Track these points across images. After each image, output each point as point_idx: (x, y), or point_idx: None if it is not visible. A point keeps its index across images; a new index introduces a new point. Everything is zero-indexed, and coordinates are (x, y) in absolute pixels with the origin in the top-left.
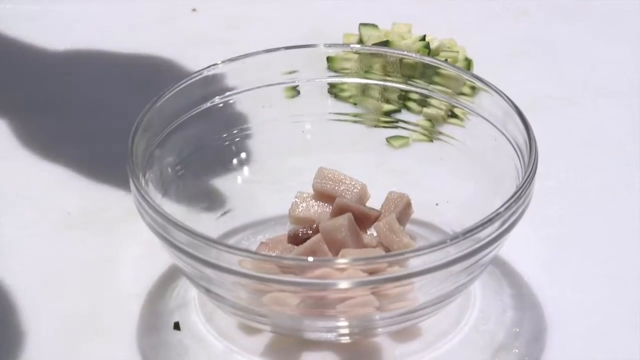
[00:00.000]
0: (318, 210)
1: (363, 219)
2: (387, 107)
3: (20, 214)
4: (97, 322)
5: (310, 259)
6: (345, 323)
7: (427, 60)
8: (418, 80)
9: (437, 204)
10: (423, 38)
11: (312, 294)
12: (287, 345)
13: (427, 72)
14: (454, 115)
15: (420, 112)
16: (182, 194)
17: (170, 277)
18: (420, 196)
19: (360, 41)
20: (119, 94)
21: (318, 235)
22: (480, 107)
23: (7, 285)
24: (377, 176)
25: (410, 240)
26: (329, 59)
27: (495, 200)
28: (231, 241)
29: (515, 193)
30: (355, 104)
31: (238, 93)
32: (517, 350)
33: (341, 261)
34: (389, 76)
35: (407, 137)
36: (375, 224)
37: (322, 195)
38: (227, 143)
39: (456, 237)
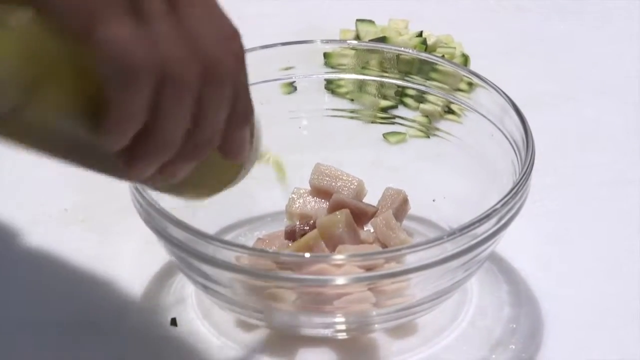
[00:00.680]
0: (315, 206)
1: (360, 215)
2: (384, 103)
3: (18, 211)
4: (94, 318)
5: (307, 255)
6: (342, 319)
7: (424, 56)
8: (415, 77)
9: (434, 200)
10: (420, 34)
11: (309, 290)
12: (284, 341)
13: (424, 68)
14: (450, 112)
15: (417, 108)
16: None
17: (167, 273)
18: (417, 192)
19: (357, 37)
20: None
21: (315, 231)
22: (477, 103)
23: (4, 280)
24: (374, 172)
25: (407, 236)
26: (325, 55)
27: (492, 197)
28: (228, 237)
29: (512, 189)
30: (352, 100)
31: None
32: (513, 346)
33: (338, 257)
34: (386, 72)
35: (404, 133)
36: (372, 220)
37: (319, 192)
38: None
39: (453, 233)
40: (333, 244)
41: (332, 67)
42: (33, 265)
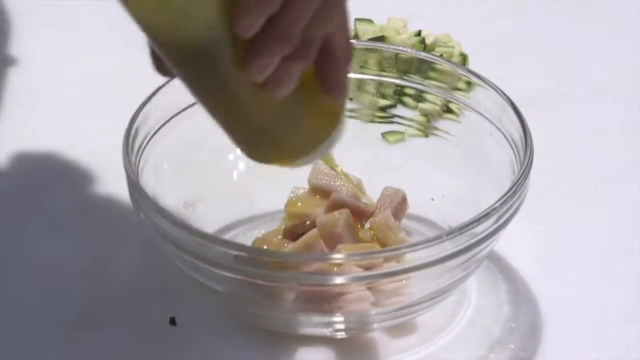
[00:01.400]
0: (314, 205)
1: (359, 215)
2: (383, 102)
3: (18, 209)
4: (93, 318)
5: (306, 254)
6: (341, 318)
7: (423, 55)
8: (413, 76)
9: (432, 199)
10: (418, 33)
11: (308, 289)
12: (283, 341)
13: (423, 67)
14: (449, 111)
15: (415, 108)
16: (178, 189)
17: (166, 273)
18: (416, 191)
19: (356, 36)
20: (114, 89)
21: (314, 231)
22: (475, 102)
23: (4, 279)
24: (372, 171)
25: (405, 235)
26: None
27: (491, 196)
28: (227, 236)
29: (511, 188)
30: (350, 99)
31: None
32: (512, 345)
33: (337, 256)
34: (385, 71)
35: (402, 133)
36: (371, 219)
37: (318, 191)
38: (222, 138)
39: (452, 232)
40: (332, 243)
41: None
42: (32, 264)
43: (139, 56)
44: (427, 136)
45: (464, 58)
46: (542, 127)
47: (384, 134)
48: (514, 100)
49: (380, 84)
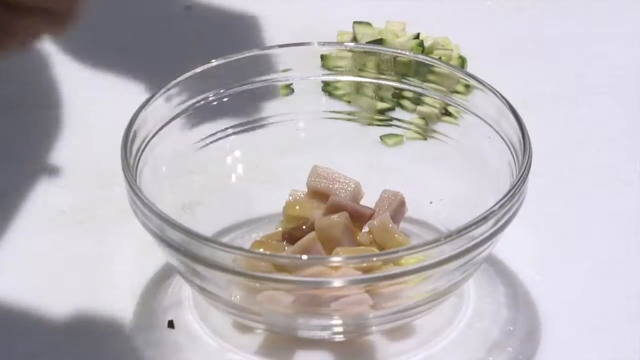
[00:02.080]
0: (312, 208)
1: (357, 218)
2: (381, 105)
3: (15, 212)
4: (91, 320)
5: (305, 257)
6: (339, 321)
7: (421, 58)
8: (412, 78)
9: (431, 202)
10: (417, 36)
11: (306, 292)
12: (281, 344)
13: (421, 70)
14: (448, 114)
15: (414, 110)
16: (176, 192)
17: (164, 276)
18: (414, 194)
19: (355, 39)
20: (113, 91)
21: (312, 234)
22: (474, 105)
23: (2, 281)
24: (371, 174)
25: (404, 238)
26: (323, 57)
27: (489, 198)
28: (225, 239)
29: (510, 191)
30: (349, 102)
31: (232, 91)
32: (510, 349)
33: (335, 259)
34: (383, 74)
35: (401, 135)
36: (369, 222)
37: (316, 194)
38: (221, 141)
39: (450, 235)
40: (330, 246)
41: (329, 69)
42: (30, 267)
43: (139, 58)
44: (426, 139)
45: (462, 61)
46: (540, 130)
47: (382, 137)
48: (513, 103)
49: (379, 86)
